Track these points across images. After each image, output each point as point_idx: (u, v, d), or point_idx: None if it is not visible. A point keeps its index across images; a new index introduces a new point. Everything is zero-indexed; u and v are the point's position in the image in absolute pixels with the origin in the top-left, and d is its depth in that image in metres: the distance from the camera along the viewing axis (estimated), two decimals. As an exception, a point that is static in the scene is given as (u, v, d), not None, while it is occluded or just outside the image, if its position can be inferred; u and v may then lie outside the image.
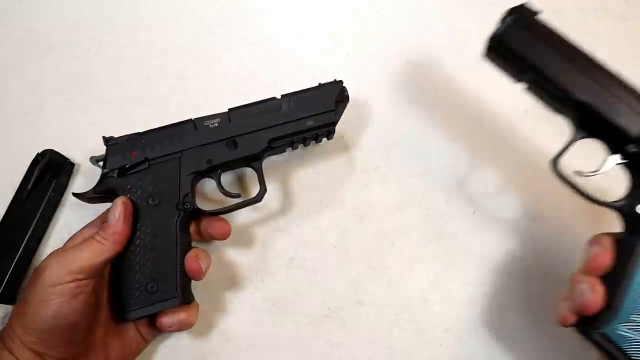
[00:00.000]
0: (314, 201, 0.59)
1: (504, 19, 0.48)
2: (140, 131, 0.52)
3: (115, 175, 0.50)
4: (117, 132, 0.53)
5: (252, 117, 0.53)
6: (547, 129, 0.55)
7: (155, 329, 0.50)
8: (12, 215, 0.54)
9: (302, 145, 0.56)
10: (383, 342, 0.55)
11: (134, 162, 0.51)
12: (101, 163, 0.51)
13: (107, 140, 0.52)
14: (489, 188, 0.60)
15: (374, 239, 0.58)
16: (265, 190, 0.54)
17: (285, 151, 0.57)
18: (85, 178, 0.58)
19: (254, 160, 0.54)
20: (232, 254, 0.57)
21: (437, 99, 0.63)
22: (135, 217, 0.49)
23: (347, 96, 0.55)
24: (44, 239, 0.56)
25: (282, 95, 0.54)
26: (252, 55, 0.65)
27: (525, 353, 0.54)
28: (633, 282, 0.41)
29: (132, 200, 0.49)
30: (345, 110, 0.57)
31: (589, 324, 0.42)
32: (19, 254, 0.53)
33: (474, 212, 0.59)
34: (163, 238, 0.49)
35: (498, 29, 0.48)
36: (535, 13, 0.48)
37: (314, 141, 0.56)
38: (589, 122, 0.46)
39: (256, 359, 0.54)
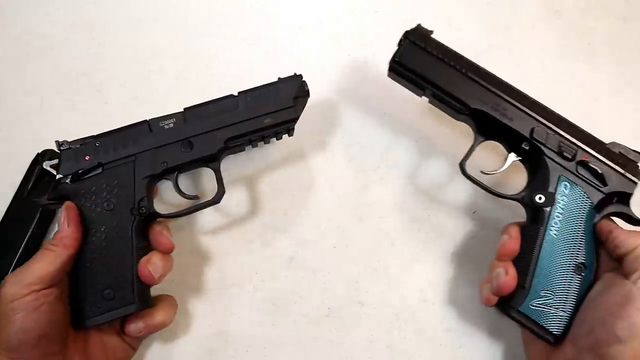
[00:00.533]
0: (314, 201, 0.59)
1: (400, 42, 0.53)
2: (95, 134, 0.51)
3: (68, 181, 0.49)
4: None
5: (208, 116, 0.52)
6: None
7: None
8: (12, 215, 0.54)
9: (262, 142, 0.55)
10: (383, 342, 0.55)
11: (87, 167, 0.49)
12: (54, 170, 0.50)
13: (60, 145, 0.50)
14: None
15: (374, 239, 0.58)
16: (224, 191, 0.53)
17: (244, 149, 0.56)
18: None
19: (211, 161, 0.53)
20: (232, 254, 0.57)
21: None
22: (89, 222, 0.48)
23: (307, 91, 0.54)
24: (44, 239, 0.56)
25: (239, 92, 0.53)
26: (251, 56, 0.64)
27: (525, 354, 0.54)
28: (538, 263, 0.48)
29: (84, 205, 0.48)
30: (346, 111, 0.57)
31: (507, 304, 0.49)
32: (19, 254, 0.53)
33: (474, 212, 0.59)
34: (118, 244, 0.48)
35: (396, 52, 0.52)
36: (429, 33, 0.53)
37: (274, 138, 0.55)
38: (486, 127, 0.52)
39: (256, 359, 0.54)
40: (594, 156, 0.50)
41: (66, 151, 0.50)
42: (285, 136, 0.56)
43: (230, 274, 0.56)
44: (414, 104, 0.63)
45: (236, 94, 0.53)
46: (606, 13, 0.68)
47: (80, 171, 0.49)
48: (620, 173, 0.49)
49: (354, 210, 0.59)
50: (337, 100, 0.63)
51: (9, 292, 0.42)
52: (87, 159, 0.50)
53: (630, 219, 0.50)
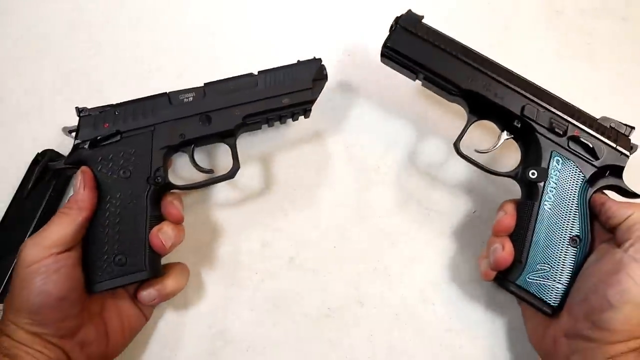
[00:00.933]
0: (314, 201, 0.59)
1: (391, 28, 0.54)
2: (114, 103, 0.52)
3: (86, 147, 0.50)
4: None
5: (227, 92, 0.53)
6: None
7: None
8: (12, 215, 0.54)
9: (278, 122, 0.56)
10: (383, 342, 0.55)
11: (105, 134, 0.50)
12: (74, 134, 0.51)
13: (80, 111, 0.51)
14: (489, 189, 0.60)
15: (374, 239, 0.58)
16: (239, 166, 0.54)
17: (260, 128, 0.57)
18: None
19: (228, 137, 0.54)
20: (232, 254, 0.57)
21: (436, 98, 0.63)
22: (104, 189, 0.49)
23: (326, 75, 0.55)
24: (44, 239, 0.56)
25: (258, 72, 0.54)
26: (251, 56, 0.64)
27: (525, 353, 0.54)
28: (534, 237, 0.49)
29: (101, 172, 0.49)
30: (346, 110, 0.57)
31: (505, 278, 0.50)
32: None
33: (474, 212, 0.59)
34: (133, 211, 0.49)
35: (388, 37, 0.54)
36: (419, 18, 0.54)
37: (290, 119, 0.56)
38: (478, 107, 0.53)
39: (256, 359, 0.54)
40: (585, 131, 0.51)
41: (85, 117, 0.51)
42: (284, 137, 0.56)
43: (230, 274, 0.56)
44: (413, 105, 0.63)
45: (256, 72, 0.53)
46: (606, 13, 0.68)
47: (98, 137, 0.50)
48: (612, 147, 0.51)
49: (354, 210, 0.59)
50: (337, 100, 0.63)
51: (29, 255, 0.43)
52: (106, 126, 0.50)
53: (623, 192, 0.51)
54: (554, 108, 0.52)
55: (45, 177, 0.56)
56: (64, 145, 0.58)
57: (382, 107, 0.63)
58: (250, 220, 0.58)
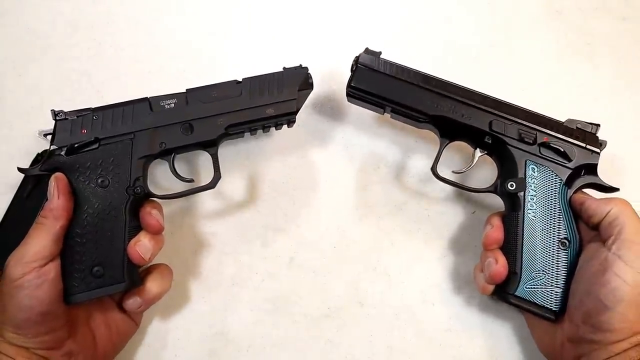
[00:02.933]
0: (314, 201, 0.59)
1: (352, 67, 0.55)
2: (94, 107, 0.50)
3: (63, 153, 0.48)
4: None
5: (210, 100, 0.51)
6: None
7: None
8: (12, 215, 0.54)
9: (261, 131, 0.55)
10: (383, 342, 0.55)
11: (83, 141, 0.48)
12: (50, 137, 0.49)
13: (56, 115, 0.49)
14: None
15: (374, 239, 0.58)
16: (220, 176, 0.53)
17: (243, 136, 0.55)
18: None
19: (209, 146, 0.53)
20: (232, 254, 0.57)
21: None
22: (81, 198, 0.47)
23: (312, 84, 0.54)
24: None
25: (243, 79, 0.52)
26: (251, 56, 0.64)
27: (525, 353, 0.54)
28: (524, 247, 0.50)
29: (78, 180, 0.47)
30: (346, 110, 0.57)
31: (504, 291, 0.50)
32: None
33: (473, 212, 0.59)
34: (111, 222, 0.48)
35: (350, 78, 0.55)
36: (378, 54, 0.55)
37: (274, 128, 0.55)
38: (448, 130, 0.55)
39: (256, 359, 0.54)
40: (553, 136, 0.52)
41: (62, 122, 0.49)
42: (284, 137, 0.56)
43: (231, 274, 0.56)
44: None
45: (240, 79, 0.52)
46: (606, 13, 0.68)
47: (76, 145, 0.48)
48: (582, 147, 0.52)
49: (354, 210, 0.59)
50: (338, 100, 0.63)
51: (12, 272, 0.43)
52: (83, 132, 0.48)
53: (601, 187, 0.52)
54: (520, 119, 0.53)
55: (45, 177, 0.56)
56: (64, 145, 0.58)
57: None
58: (250, 220, 0.58)
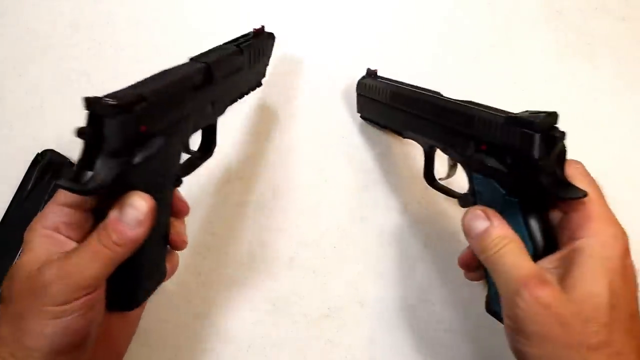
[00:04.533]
0: (314, 201, 0.59)
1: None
2: (134, 85, 0.39)
3: (134, 160, 0.35)
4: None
5: (229, 74, 0.47)
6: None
7: None
8: (12, 215, 0.54)
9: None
10: (383, 342, 0.55)
11: (144, 141, 0.36)
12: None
13: (111, 107, 0.34)
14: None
15: (374, 239, 0.58)
16: (215, 144, 0.47)
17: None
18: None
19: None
20: (232, 254, 0.57)
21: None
22: None
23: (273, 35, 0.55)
24: (44, 239, 0.56)
25: (242, 48, 0.48)
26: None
27: (525, 353, 0.54)
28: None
29: (137, 185, 0.37)
30: (347, 110, 0.57)
31: (487, 308, 0.45)
32: (19, 254, 0.53)
33: (474, 212, 0.59)
34: (162, 219, 0.41)
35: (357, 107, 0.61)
36: (369, 74, 0.58)
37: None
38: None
39: (256, 359, 0.54)
40: (489, 141, 0.43)
41: (121, 117, 0.34)
42: (284, 137, 0.56)
43: (231, 275, 0.56)
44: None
45: (240, 49, 0.48)
46: (606, 13, 0.68)
47: (135, 148, 0.36)
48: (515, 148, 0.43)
49: (354, 210, 0.59)
50: (338, 100, 0.63)
51: (58, 295, 0.34)
52: (143, 129, 0.36)
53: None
54: (462, 126, 0.45)
55: (45, 177, 0.56)
56: (64, 145, 0.58)
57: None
58: (250, 220, 0.58)
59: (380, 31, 0.67)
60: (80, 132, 0.34)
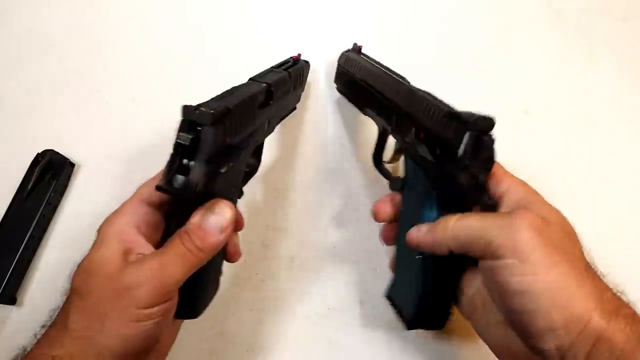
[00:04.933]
0: (314, 201, 0.59)
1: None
2: (218, 97, 0.39)
3: (222, 170, 0.37)
4: (118, 132, 0.53)
5: (283, 95, 0.49)
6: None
7: None
8: (12, 215, 0.54)
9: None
10: (383, 342, 0.55)
11: (229, 153, 0.38)
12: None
13: (211, 118, 0.34)
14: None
15: (374, 239, 0.58)
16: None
17: None
18: (86, 178, 0.58)
19: None
20: (232, 254, 0.57)
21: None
22: None
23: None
24: (44, 239, 0.56)
25: (291, 73, 0.51)
26: (251, 56, 0.65)
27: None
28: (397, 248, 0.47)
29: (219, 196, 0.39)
30: (346, 109, 0.57)
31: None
32: (19, 254, 0.53)
33: (474, 212, 0.59)
34: None
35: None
36: (357, 50, 0.58)
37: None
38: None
39: (256, 358, 0.54)
40: (428, 132, 0.42)
41: (216, 126, 0.34)
42: (285, 136, 0.57)
43: (231, 274, 0.56)
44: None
45: (289, 74, 0.51)
46: (606, 13, 0.68)
47: (221, 160, 0.37)
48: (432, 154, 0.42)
49: (355, 210, 0.59)
50: (339, 99, 0.63)
51: (146, 297, 0.34)
52: (228, 140, 0.37)
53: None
54: (407, 110, 0.45)
55: (45, 177, 0.56)
56: (64, 146, 0.58)
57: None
58: (250, 220, 0.58)
59: (380, 31, 0.67)
60: (180, 140, 0.34)
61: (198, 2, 0.67)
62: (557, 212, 0.37)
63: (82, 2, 0.66)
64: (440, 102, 0.42)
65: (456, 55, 0.65)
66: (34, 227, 0.54)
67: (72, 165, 0.58)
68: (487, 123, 0.37)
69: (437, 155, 0.40)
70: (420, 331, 0.55)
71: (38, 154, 0.57)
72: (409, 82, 0.49)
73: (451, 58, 0.65)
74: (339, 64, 0.60)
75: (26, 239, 0.53)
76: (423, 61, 0.65)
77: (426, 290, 0.43)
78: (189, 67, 0.64)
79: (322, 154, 0.61)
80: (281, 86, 0.47)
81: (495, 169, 0.39)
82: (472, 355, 0.55)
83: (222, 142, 0.36)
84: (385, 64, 0.54)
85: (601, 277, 0.35)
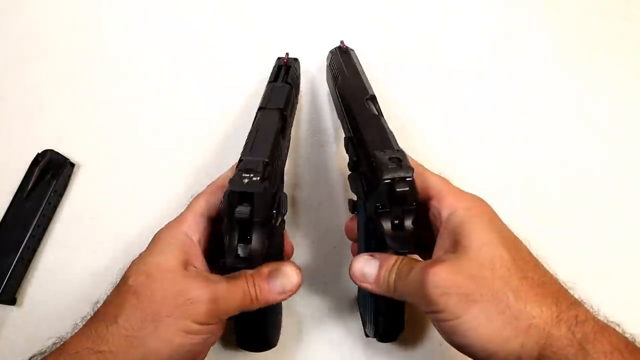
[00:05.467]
0: (314, 201, 0.59)
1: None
2: (251, 152, 0.40)
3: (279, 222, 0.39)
4: (117, 132, 0.53)
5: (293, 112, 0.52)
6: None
7: None
8: (12, 215, 0.54)
9: None
10: (383, 342, 0.55)
11: (274, 200, 0.39)
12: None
13: (262, 182, 0.35)
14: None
15: (374, 239, 0.58)
16: None
17: None
18: (86, 178, 0.58)
19: None
20: (232, 254, 0.57)
21: (436, 96, 0.64)
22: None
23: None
24: (44, 239, 0.56)
25: (289, 82, 0.51)
26: (252, 56, 0.65)
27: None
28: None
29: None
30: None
31: None
32: (19, 254, 0.53)
33: (474, 212, 0.59)
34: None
35: None
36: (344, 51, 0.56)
37: None
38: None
39: (256, 358, 0.54)
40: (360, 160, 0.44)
41: (266, 187, 0.36)
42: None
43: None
44: (412, 104, 0.63)
45: (290, 85, 0.51)
46: (606, 13, 0.68)
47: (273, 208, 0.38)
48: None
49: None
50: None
51: (200, 313, 0.35)
52: (272, 192, 0.39)
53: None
54: (351, 127, 0.46)
55: (45, 177, 0.56)
56: (64, 145, 0.58)
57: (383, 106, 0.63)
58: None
59: (379, 31, 0.67)
60: (240, 216, 0.34)
61: (199, 2, 0.67)
62: (500, 233, 0.36)
63: (82, 2, 0.66)
64: (382, 132, 0.42)
65: (455, 55, 0.65)
66: (34, 227, 0.54)
67: (72, 165, 0.58)
68: (403, 175, 0.36)
69: (365, 188, 0.41)
70: (420, 331, 0.55)
71: (38, 154, 0.57)
72: (369, 99, 0.47)
73: (450, 58, 0.65)
74: (327, 62, 0.59)
75: (26, 239, 0.53)
76: (422, 62, 0.65)
77: (378, 309, 0.45)
78: (189, 67, 0.64)
79: (321, 154, 0.61)
80: (289, 104, 0.48)
81: (440, 187, 0.40)
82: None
83: (272, 199, 0.37)
84: (382, 63, 0.54)
85: (541, 285, 0.34)
